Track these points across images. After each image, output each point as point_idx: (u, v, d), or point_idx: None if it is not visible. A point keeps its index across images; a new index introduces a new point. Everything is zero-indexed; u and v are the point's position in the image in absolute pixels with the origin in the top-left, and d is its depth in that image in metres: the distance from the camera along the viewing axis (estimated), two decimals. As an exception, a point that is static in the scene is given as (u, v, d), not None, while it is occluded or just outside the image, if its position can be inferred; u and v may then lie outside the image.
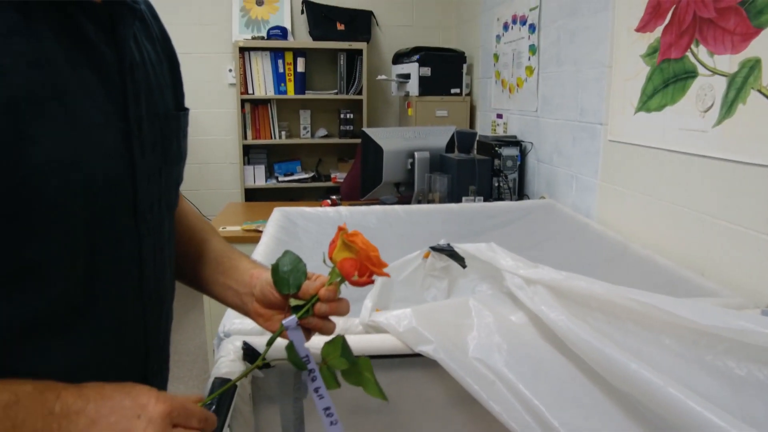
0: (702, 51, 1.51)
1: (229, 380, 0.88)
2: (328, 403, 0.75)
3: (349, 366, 0.76)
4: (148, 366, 0.75)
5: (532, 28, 2.70)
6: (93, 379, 0.64)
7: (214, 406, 0.81)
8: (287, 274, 0.75)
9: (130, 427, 0.56)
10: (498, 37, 3.20)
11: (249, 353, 0.93)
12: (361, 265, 0.71)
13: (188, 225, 0.89)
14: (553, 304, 0.98)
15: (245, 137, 3.98)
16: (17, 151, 0.52)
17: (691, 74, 1.56)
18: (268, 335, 0.79)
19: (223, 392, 0.85)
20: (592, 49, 2.11)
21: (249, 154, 4.13)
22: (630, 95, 1.85)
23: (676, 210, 1.64)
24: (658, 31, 1.69)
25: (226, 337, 0.99)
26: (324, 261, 0.75)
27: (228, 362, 0.90)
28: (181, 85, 0.82)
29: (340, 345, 0.77)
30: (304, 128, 4.18)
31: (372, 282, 0.73)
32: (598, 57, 2.06)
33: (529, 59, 2.75)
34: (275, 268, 0.76)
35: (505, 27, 3.07)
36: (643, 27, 1.77)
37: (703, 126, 1.51)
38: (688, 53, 1.57)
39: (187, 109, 0.81)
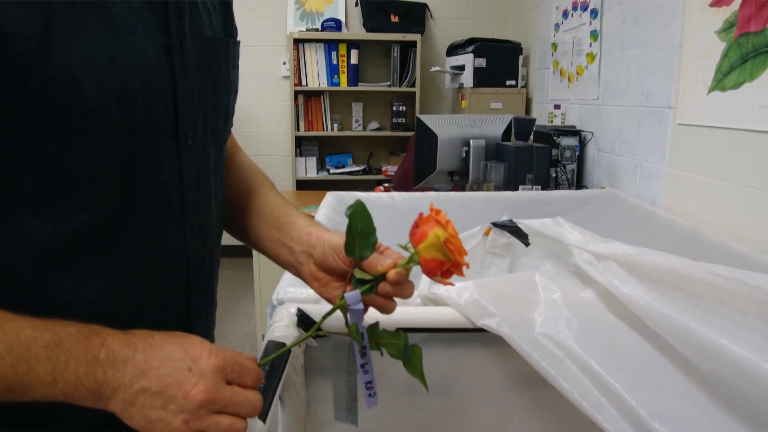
0: (786, 22, 1.41)
1: (283, 344, 0.84)
2: (371, 378, 0.75)
3: (402, 356, 0.73)
4: (191, 304, 0.73)
5: (594, 13, 2.61)
6: (132, 312, 0.60)
7: (267, 368, 0.78)
8: (354, 238, 0.70)
9: (180, 380, 0.52)
10: (557, 26, 3.11)
11: (304, 320, 0.89)
12: (446, 271, 0.65)
13: (246, 177, 0.86)
14: (627, 278, 0.91)
15: (298, 129, 3.99)
16: (47, 50, 0.50)
17: (774, 48, 1.45)
18: (323, 303, 0.75)
19: (277, 357, 0.82)
20: (661, 30, 2.00)
21: (301, 145, 4.13)
22: (703, 74, 1.74)
23: (755, 193, 1.53)
24: (736, 4, 1.59)
25: (279, 305, 0.96)
26: (405, 246, 0.69)
27: (282, 327, 0.86)
28: (232, 15, 0.79)
29: (403, 341, 0.73)
30: (356, 121, 4.16)
31: (452, 284, 0.69)
32: (668, 37, 1.95)
33: (591, 45, 2.65)
34: (350, 228, 0.70)
35: (565, 14, 2.98)
36: (719, 1, 1.66)
37: (786, 102, 1.41)
38: (770, 26, 1.46)
39: (237, 40, 0.78)
